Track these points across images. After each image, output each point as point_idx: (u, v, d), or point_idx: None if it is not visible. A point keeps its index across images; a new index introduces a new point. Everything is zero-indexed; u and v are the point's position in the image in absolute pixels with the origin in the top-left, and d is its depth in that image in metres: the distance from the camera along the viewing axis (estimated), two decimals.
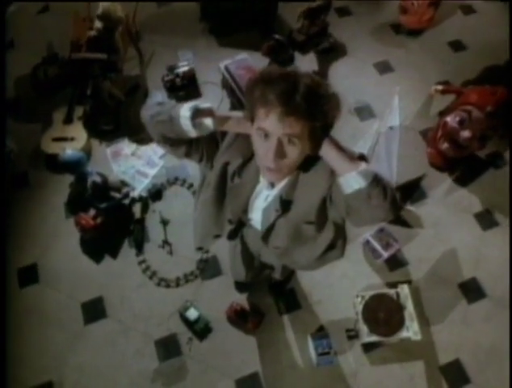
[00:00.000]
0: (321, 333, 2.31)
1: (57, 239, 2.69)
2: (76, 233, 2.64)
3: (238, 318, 2.33)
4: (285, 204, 1.21)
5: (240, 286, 2.46)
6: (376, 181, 1.00)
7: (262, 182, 1.22)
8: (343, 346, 2.32)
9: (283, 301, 2.45)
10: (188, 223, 2.80)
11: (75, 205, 2.75)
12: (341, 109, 1.00)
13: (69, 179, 2.83)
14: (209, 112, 1.08)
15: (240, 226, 1.45)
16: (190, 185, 2.83)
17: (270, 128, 0.98)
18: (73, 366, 2.32)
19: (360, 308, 2.25)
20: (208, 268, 2.56)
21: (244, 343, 2.34)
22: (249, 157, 1.19)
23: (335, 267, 2.52)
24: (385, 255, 2.48)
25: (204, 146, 1.21)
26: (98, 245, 2.64)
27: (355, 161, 1.02)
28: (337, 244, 1.43)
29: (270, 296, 2.46)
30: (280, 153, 1.01)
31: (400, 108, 2.63)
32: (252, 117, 1.03)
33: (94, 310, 2.46)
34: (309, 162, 1.14)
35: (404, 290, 2.23)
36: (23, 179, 2.89)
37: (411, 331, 2.12)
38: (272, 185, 1.22)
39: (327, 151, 1.03)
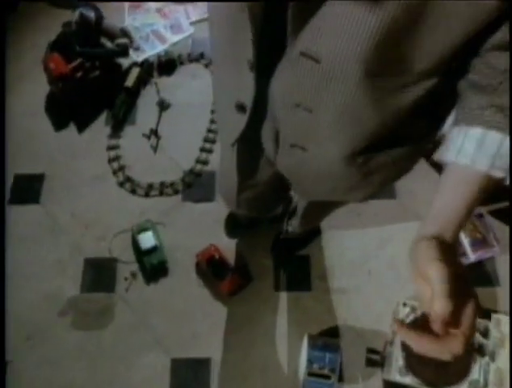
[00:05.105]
0: (326, 339, 1.43)
1: (22, 85, 1.96)
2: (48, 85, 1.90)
3: (211, 269, 1.50)
4: None
5: (232, 226, 1.61)
6: None
7: None
8: (355, 372, 1.42)
9: (288, 270, 1.58)
10: (193, 117, 2.00)
11: (59, 48, 1.97)
12: None
13: (66, 16, 2.06)
14: None
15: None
16: None
17: None
18: None
19: None
20: (197, 186, 1.72)
21: (207, 309, 1.51)
22: None
23: (384, 245, 1.61)
24: (471, 257, 1.51)
25: None
26: (66, 107, 1.88)
27: None
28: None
29: (270, 257, 1.59)
30: None
31: None
32: None
33: (27, 189, 1.73)
34: None
35: (502, 326, 1.24)
36: (11, 3, 2.15)
37: None
38: None
39: None
